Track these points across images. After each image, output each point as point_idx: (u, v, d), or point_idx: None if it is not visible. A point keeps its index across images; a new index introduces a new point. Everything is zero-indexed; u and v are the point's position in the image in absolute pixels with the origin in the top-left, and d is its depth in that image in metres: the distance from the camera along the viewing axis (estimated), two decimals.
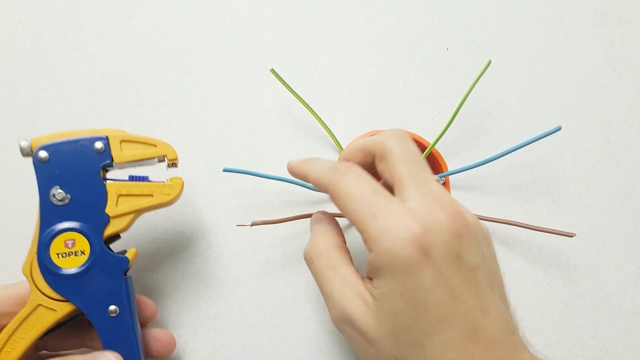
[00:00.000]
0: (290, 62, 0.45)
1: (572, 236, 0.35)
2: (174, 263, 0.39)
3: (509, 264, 0.37)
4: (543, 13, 0.46)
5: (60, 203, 0.31)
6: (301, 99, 0.39)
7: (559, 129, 0.35)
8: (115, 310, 0.31)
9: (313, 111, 0.40)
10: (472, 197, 0.39)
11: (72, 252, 0.30)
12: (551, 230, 0.36)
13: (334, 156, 0.41)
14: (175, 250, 0.39)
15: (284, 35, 0.46)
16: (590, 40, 0.44)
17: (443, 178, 0.39)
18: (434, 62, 0.44)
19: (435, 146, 0.39)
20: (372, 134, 0.40)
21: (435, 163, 0.40)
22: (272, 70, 0.39)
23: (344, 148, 0.40)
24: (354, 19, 0.46)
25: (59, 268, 0.30)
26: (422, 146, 0.40)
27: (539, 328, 0.35)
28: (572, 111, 0.42)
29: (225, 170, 0.38)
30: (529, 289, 0.36)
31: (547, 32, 0.45)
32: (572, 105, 0.42)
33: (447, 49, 0.45)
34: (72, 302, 0.30)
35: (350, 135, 0.41)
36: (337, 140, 0.40)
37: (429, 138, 0.40)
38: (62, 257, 0.30)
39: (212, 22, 0.47)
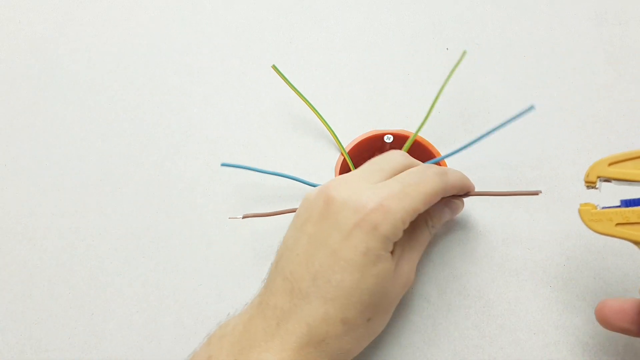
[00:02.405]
0: (290, 62, 0.45)
1: (537, 194, 0.34)
2: (174, 263, 0.39)
3: (509, 263, 0.37)
4: (543, 13, 0.46)
5: None
6: (302, 95, 0.39)
7: (531, 108, 0.34)
8: None
9: (314, 108, 0.40)
10: (471, 196, 0.39)
11: None
12: (515, 193, 0.35)
13: (333, 154, 0.41)
14: (176, 250, 0.39)
15: (284, 35, 0.46)
16: (590, 40, 0.44)
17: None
18: (434, 62, 0.44)
19: (437, 147, 0.39)
20: (372, 134, 0.40)
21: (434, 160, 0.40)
22: (274, 67, 0.39)
23: (344, 146, 0.40)
24: (354, 19, 0.46)
25: None
26: (421, 146, 0.40)
27: (539, 328, 0.35)
28: (572, 111, 0.42)
29: (223, 165, 0.38)
30: (529, 289, 0.36)
31: (547, 32, 0.45)
32: (572, 105, 0.42)
33: (447, 49, 0.45)
34: None
35: (350, 135, 0.41)
36: (337, 137, 0.40)
37: (428, 138, 0.40)
38: None
39: (212, 22, 0.47)
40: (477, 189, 0.36)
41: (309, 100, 0.40)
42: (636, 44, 0.44)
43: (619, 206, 0.29)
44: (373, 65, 0.45)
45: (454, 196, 0.34)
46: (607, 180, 0.30)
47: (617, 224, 0.29)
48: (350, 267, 0.28)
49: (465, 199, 0.37)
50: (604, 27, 0.45)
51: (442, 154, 0.40)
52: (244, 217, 0.37)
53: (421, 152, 0.40)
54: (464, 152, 0.37)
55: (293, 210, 0.37)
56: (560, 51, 0.44)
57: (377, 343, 0.35)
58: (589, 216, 0.30)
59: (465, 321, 0.36)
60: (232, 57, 0.45)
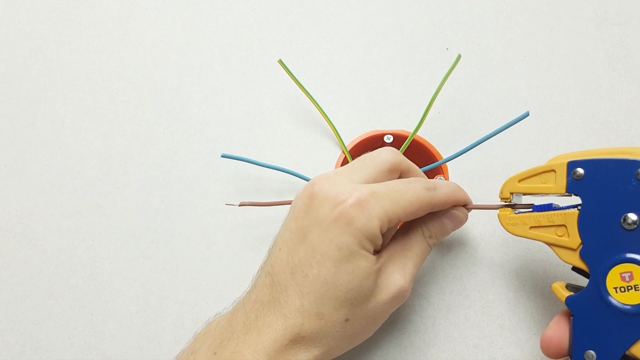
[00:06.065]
0: (290, 62, 0.45)
1: (530, 207, 0.34)
2: (174, 263, 0.39)
3: (509, 263, 0.37)
4: (543, 13, 0.46)
5: (630, 228, 0.28)
6: (306, 91, 0.39)
7: (527, 114, 0.35)
8: None
9: (317, 104, 0.39)
10: (471, 197, 0.39)
11: (630, 287, 0.28)
12: (510, 207, 0.35)
13: (333, 152, 0.41)
14: (176, 250, 0.39)
15: (284, 35, 0.46)
16: (590, 40, 0.44)
17: (442, 177, 0.39)
18: (434, 62, 0.44)
19: (437, 148, 0.39)
20: (372, 134, 0.40)
21: (434, 162, 0.40)
22: (280, 62, 0.39)
23: (345, 145, 0.40)
24: (354, 19, 0.46)
25: (616, 302, 0.28)
26: (422, 147, 0.40)
27: (539, 328, 0.35)
28: (572, 111, 0.42)
29: (223, 156, 0.38)
30: (529, 288, 0.37)
31: (547, 32, 0.45)
32: (572, 105, 0.42)
33: (447, 49, 0.45)
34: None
35: (350, 135, 0.41)
36: (338, 133, 0.40)
37: (428, 138, 0.41)
38: (620, 291, 0.28)
39: (212, 22, 0.47)
40: (475, 193, 0.36)
41: (312, 96, 0.40)
42: (636, 44, 0.44)
43: (531, 211, 0.31)
44: (373, 65, 0.45)
45: (453, 207, 0.34)
46: (518, 194, 0.32)
47: (531, 227, 0.31)
48: (326, 261, 0.28)
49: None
50: (604, 27, 0.45)
51: (442, 153, 0.40)
52: (240, 205, 0.37)
53: (421, 152, 0.40)
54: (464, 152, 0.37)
55: (289, 202, 0.37)
56: (560, 51, 0.44)
57: (377, 343, 0.35)
58: (507, 220, 0.32)
59: (465, 321, 0.36)
60: (232, 56, 0.45)
